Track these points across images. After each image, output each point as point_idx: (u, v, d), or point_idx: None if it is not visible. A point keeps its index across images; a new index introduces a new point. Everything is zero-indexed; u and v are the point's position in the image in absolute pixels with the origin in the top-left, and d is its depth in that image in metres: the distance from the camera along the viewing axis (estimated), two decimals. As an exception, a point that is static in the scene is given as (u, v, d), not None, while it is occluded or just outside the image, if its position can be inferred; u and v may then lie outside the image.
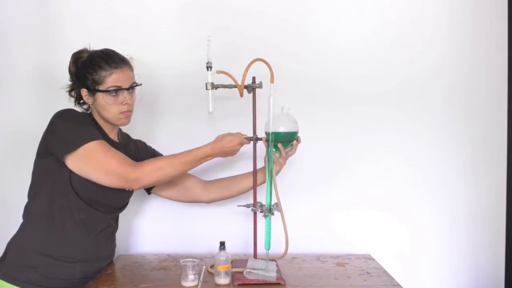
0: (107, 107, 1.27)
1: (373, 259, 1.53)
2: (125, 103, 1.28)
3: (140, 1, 1.65)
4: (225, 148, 1.30)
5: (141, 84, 1.35)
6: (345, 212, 1.69)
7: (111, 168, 1.20)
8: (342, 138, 1.68)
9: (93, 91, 1.26)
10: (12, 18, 1.63)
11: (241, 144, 1.32)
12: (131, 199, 1.58)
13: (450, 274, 1.71)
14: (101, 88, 1.25)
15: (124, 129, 1.54)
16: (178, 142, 1.64)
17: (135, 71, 1.36)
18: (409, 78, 1.68)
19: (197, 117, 1.64)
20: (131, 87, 1.30)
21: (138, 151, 1.46)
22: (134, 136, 1.54)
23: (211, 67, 1.27)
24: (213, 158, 1.31)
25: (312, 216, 1.68)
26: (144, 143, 1.53)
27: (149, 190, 1.51)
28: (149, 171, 1.23)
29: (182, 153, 1.29)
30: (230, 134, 1.31)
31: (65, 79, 1.36)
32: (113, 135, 1.37)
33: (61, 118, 1.24)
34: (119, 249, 1.49)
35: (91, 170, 1.20)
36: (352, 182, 1.68)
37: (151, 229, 1.68)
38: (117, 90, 1.26)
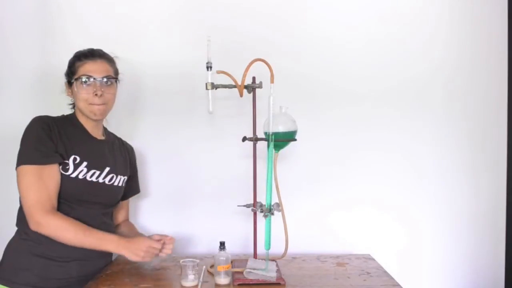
0: (78, 96, 1.29)
1: (373, 259, 1.53)
2: (96, 94, 1.28)
3: (140, 1, 1.65)
4: (129, 252, 1.25)
5: (116, 78, 1.36)
6: (345, 212, 1.69)
7: (26, 199, 1.21)
8: (341, 138, 1.68)
9: (70, 83, 1.32)
10: (13, 18, 1.63)
11: (148, 256, 1.27)
12: (131, 199, 1.59)
13: (450, 274, 1.71)
14: (74, 77, 1.29)
15: (125, 129, 1.54)
16: (178, 142, 1.65)
17: (131, 74, 1.36)
18: (409, 78, 1.68)
19: (197, 117, 1.64)
20: (106, 79, 1.30)
21: (128, 153, 1.48)
22: (135, 135, 1.54)
23: (211, 67, 1.28)
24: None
25: (312, 216, 1.68)
26: (134, 153, 1.53)
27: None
28: (54, 225, 1.21)
29: (91, 232, 1.24)
30: (140, 242, 1.27)
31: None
32: (97, 133, 1.37)
33: (26, 130, 1.26)
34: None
35: (19, 191, 1.23)
36: (352, 182, 1.69)
37: (151, 229, 1.68)
38: (88, 78, 1.28)
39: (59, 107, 1.39)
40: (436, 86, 1.69)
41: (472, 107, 1.69)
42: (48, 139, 1.24)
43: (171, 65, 1.64)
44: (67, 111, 1.39)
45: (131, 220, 1.65)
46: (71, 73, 1.31)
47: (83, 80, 1.28)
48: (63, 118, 1.35)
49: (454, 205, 1.71)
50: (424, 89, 1.68)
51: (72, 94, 1.33)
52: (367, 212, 1.69)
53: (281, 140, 1.29)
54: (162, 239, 1.34)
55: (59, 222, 1.21)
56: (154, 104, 1.65)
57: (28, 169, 1.21)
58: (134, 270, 1.38)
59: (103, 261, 1.38)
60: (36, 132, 1.24)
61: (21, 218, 1.28)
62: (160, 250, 1.32)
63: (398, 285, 1.27)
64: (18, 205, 1.30)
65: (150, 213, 1.68)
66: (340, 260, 1.51)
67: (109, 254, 1.42)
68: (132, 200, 1.60)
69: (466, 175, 1.71)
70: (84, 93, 1.28)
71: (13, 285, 1.22)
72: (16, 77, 1.64)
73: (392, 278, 1.32)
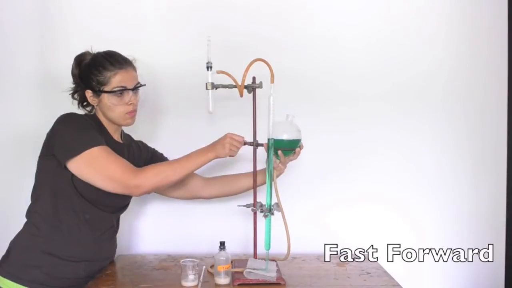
0: (112, 107, 1.28)
1: (373, 259, 1.53)
2: (130, 103, 1.29)
3: (140, 0, 1.65)
4: (217, 150, 1.28)
5: (145, 85, 1.36)
6: (344, 212, 1.69)
7: (113, 174, 1.20)
8: (341, 138, 1.68)
9: (98, 92, 1.27)
10: (13, 19, 1.63)
11: (240, 144, 1.31)
12: (132, 199, 1.58)
13: (450, 274, 1.71)
14: (106, 89, 1.26)
15: (126, 129, 1.54)
16: (178, 142, 1.65)
17: (138, 72, 1.36)
18: (409, 78, 1.68)
19: (197, 117, 1.64)
20: (136, 88, 1.31)
21: (140, 151, 1.48)
22: (135, 136, 1.54)
23: (211, 67, 1.28)
24: (214, 159, 1.31)
25: (312, 216, 1.68)
26: (145, 144, 1.54)
27: None
28: (150, 176, 1.23)
29: (183, 157, 1.29)
30: (222, 138, 1.30)
31: (67, 81, 1.36)
32: (117, 136, 1.38)
33: (64, 122, 1.24)
34: (120, 249, 1.49)
35: (92, 176, 1.21)
36: (352, 183, 1.69)
37: (151, 229, 1.68)
38: (122, 90, 1.27)
39: (59, 107, 1.38)
40: (436, 86, 1.69)
41: (472, 107, 1.69)
42: (93, 129, 1.25)
43: (171, 65, 1.64)
44: (68, 110, 1.38)
45: (132, 220, 1.65)
46: (99, 83, 1.26)
47: (119, 92, 1.26)
48: (90, 118, 1.32)
49: (454, 205, 1.71)
50: (425, 89, 1.68)
51: (98, 102, 1.29)
52: (367, 212, 1.69)
53: (283, 148, 1.29)
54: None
55: (153, 171, 1.24)
56: (154, 104, 1.65)
57: (97, 150, 1.19)
58: (134, 270, 1.39)
59: (107, 262, 1.39)
60: (86, 122, 1.26)
61: (34, 211, 1.27)
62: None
63: (398, 285, 1.27)
64: (18, 204, 1.30)
65: (151, 213, 1.68)
66: (340, 260, 1.51)
67: (112, 257, 1.43)
68: (133, 199, 1.60)
69: (466, 175, 1.71)
70: (118, 104, 1.27)
71: (21, 282, 1.20)
72: (16, 77, 1.63)
73: (392, 278, 1.33)
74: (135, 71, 1.34)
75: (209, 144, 1.31)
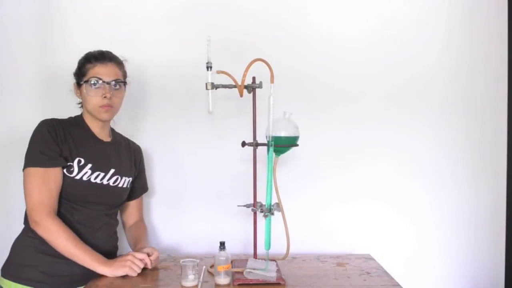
0: (88, 98, 1.31)
1: (373, 259, 1.53)
2: (104, 97, 1.30)
3: (141, 0, 1.65)
4: (114, 268, 1.26)
5: (125, 82, 1.37)
6: (344, 212, 1.69)
7: (29, 199, 1.24)
8: (342, 138, 1.68)
9: (79, 84, 1.33)
10: (14, 19, 1.63)
11: (142, 264, 1.30)
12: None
13: (450, 274, 1.71)
14: (84, 79, 1.31)
15: (125, 128, 1.54)
16: (178, 142, 1.65)
17: (131, 74, 1.36)
18: (409, 78, 1.68)
19: (197, 117, 1.64)
20: (114, 83, 1.32)
21: (132, 155, 1.48)
22: (135, 135, 1.54)
23: (211, 67, 1.28)
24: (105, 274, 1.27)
25: (312, 216, 1.68)
26: (140, 154, 1.53)
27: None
28: (49, 228, 1.22)
29: (81, 246, 1.24)
30: (124, 256, 1.30)
31: (67, 81, 1.38)
32: (104, 134, 1.39)
33: (33, 132, 1.29)
34: (120, 249, 1.49)
35: (24, 190, 1.25)
36: (353, 182, 1.69)
37: (151, 229, 1.68)
38: (97, 81, 1.29)
39: (60, 107, 1.40)
40: (436, 86, 1.69)
41: (472, 107, 1.69)
42: (53, 143, 1.26)
43: (171, 64, 1.64)
44: (68, 110, 1.40)
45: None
46: (81, 75, 1.32)
47: (93, 82, 1.29)
48: (70, 120, 1.37)
49: (454, 205, 1.71)
50: (425, 89, 1.68)
51: (81, 95, 1.34)
52: (366, 212, 1.69)
53: (282, 145, 1.29)
54: (148, 252, 1.34)
55: (55, 227, 1.23)
56: (154, 104, 1.65)
57: (33, 171, 1.24)
58: (134, 270, 1.38)
59: (107, 257, 1.38)
60: (42, 135, 1.27)
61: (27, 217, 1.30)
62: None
63: (398, 285, 1.27)
64: (18, 204, 1.31)
65: (150, 214, 1.68)
66: (340, 260, 1.51)
67: (114, 252, 1.44)
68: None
69: (466, 175, 1.71)
70: (93, 95, 1.30)
71: (19, 281, 1.25)
72: (17, 77, 1.64)
73: (392, 278, 1.32)
74: (119, 69, 1.36)
75: (112, 259, 1.29)
